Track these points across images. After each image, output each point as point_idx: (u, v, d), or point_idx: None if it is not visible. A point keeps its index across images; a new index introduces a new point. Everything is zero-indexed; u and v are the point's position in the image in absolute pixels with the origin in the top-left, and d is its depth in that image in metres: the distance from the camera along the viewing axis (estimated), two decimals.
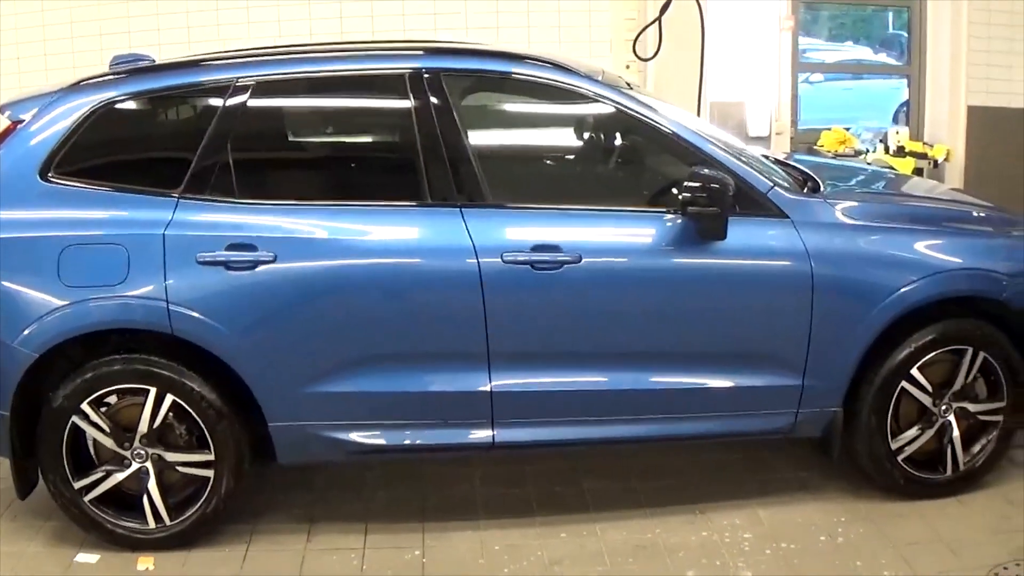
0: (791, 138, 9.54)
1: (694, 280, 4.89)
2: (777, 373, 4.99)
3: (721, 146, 5.04)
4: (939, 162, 9.36)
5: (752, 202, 4.91)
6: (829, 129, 9.51)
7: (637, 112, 4.99)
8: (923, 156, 9.32)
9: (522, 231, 4.79)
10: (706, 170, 4.73)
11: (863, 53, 10.64)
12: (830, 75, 10.56)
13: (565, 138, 5.74)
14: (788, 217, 4.92)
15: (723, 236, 4.75)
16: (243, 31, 8.20)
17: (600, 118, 5.41)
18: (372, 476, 5.59)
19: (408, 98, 4.86)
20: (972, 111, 9.42)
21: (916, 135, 9.81)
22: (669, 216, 4.86)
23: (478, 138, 5.03)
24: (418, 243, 4.77)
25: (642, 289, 4.86)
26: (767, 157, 5.76)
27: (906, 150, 9.38)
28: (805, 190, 5.24)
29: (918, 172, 9.00)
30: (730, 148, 5.12)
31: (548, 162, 5.77)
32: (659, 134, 5.01)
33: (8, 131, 4.90)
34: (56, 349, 4.70)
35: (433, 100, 4.84)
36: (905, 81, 10.08)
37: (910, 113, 9.98)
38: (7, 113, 4.97)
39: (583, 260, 4.74)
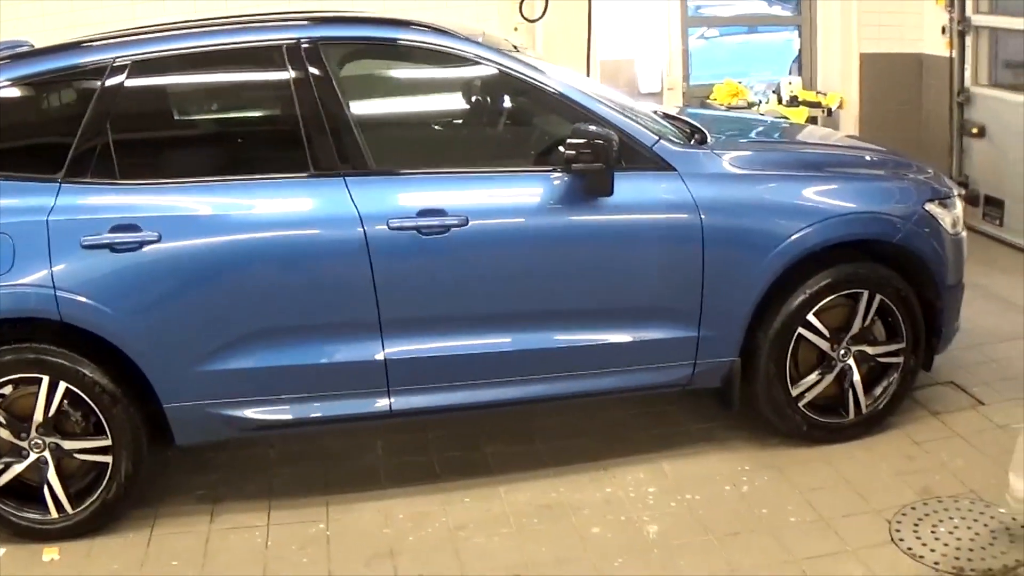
0: (683, 93, 9.57)
1: (583, 237, 4.89)
2: (672, 326, 5.01)
3: (606, 103, 5.03)
4: (833, 110, 9.43)
5: (638, 156, 4.92)
6: (721, 83, 9.53)
7: (521, 73, 4.99)
8: (816, 105, 9.39)
9: (407, 197, 4.77)
10: (589, 126, 4.72)
11: (758, 7, 10.64)
12: (725, 30, 10.54)
13: (450, 102, 5.73)
14: (675, 169, 4.93)
15: (610, 192, 4.75)
16: None
17: (484, 81, 5.38)
18: (275, 453, 5.57)
19: (287, 70, 4.83)
20: (865, 58, 9.50)
21: (809, 84, 9.88)
22: (555, 175, 4.86)
23: (361, 107, 5.02)
24: (303, 215, 4.75)
25: (531, 249, 4.85)
26: (656, 112, 5.76)
27: (799, 99, 9.44)
28: (692, 142, 5.24)
29: (812, 121, 9.07)
30: (615, 104, 5.11)
31: (434, 127, 5.76)
32: (543, 94, 5.00)
33: None
34: None
35: (312, 70, 4.81)
36: (796, 33, 10.11)
37: (802, 63, 10.02)
38: None
39: (470, 223, 4.73)
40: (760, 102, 9.45)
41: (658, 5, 9.56)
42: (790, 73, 10.05)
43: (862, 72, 9.48)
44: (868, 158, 5.69)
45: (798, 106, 9.29)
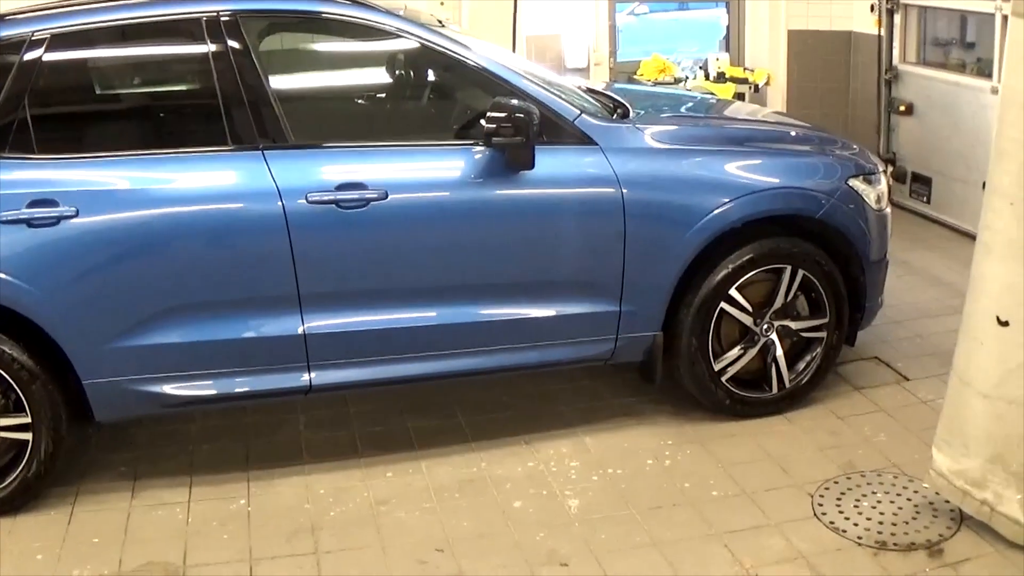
0: (610, 69, 9.58)
1: (505, 211, 4.90)
2: (594, 300, 5.02)
3: (528, 77, 5.03)
4: (760, 87, 9.52)
5: (559, 130, 4.92)
6: (648, 59, 9.55)
7: (442, 47, 4.97)
8: (743, 81, 9.47)
9: (326, 170, 4.75)
10: (510, 100, 4.72)
11: None
12: (655, 6, 10.59)
13: (371, 76, 5.71)
14: (596, 144, 4.94)
15: (531, 165, 4.75)
16: None
17: (406, 55, 5.37)
18: (195, 429, 5.53)
19: (206, 43, 4.78)
20: (793, 35, 9.58)
21: (737, 61, 9.95)
22: (477, 149, 4.85)
23: (281, 80, 5.01)
24: (221, 189, 4.72)
25: (452, 223, 4.85)
26: (581, 88, 5.76)
27: (726, 76, 9.50)
28: (615, 117, 5.24)
29: (739, 97, 9.16)
30: (537, 79, 5.10)
31: (354, 101, 5.74)
32: (464, 68, 5.00)
33: None
34: None
35: (231, 43, 4.77)
36: (726, 9, 10.14)
37: (730, 39, 10.06)
38: None
39: (390, 196, 4.72)
40: (687, 78, 9.50)
41: None
42: (719, 50, 10.08)
43: (790, 49, 9.57)
44: (793, 133, 5.73)
45: (725, 82, 9.35)
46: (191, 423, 5.56)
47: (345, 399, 5.64)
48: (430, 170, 4.89)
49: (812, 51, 9.48)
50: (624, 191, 4.89)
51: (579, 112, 4.98)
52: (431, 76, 5.54)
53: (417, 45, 4.98)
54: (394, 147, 4.91)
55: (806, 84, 9.53)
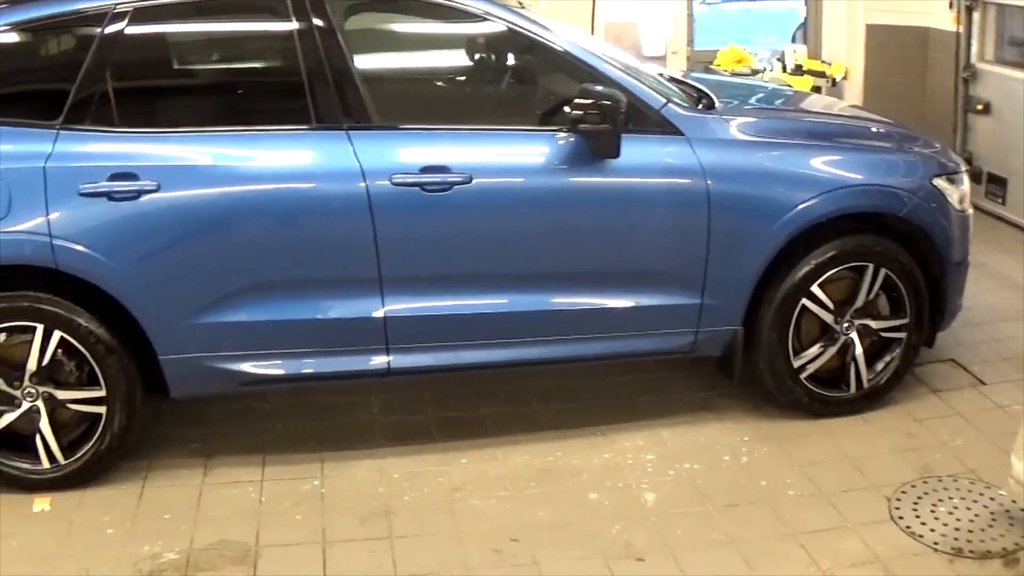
0: (687, 58, 9.49)
1: (588, 200, 4.84)
2: (676, 292, 4.96)
3: (614, 63, 4.96)
4: (837, 80, 9.39)
5: (646, 119, 4.85)
6: (726, 48, 9.45)
7: (528, 30, 4.91)
8: (821, 74, 9.35)
9: (411, 152, 4.71)
10: (597, 87, 4.65)
11: None
12: None
13: (456, 58, 5.65)
14: (683, 134, 4.87)
15: (616, 154, 4.68)
16: None
17: (491, 37, 5.30)
18: (268, 407, 5.52)
19: (291, 20, 4.75)
20: (871, 29, 9.43)
21: (814, 54, 9.82)
22: (561, 135, 4.79)
23: (365, 60, 4.92)
24: (305, 168, 4.68)
25: (535, 209, 4.79)
26: (662, 75, 5.69)
27: (804, 68, 9.40)
28: (700, 107, 5.17)
29: (816, 90, 9.03)
30: (623, 66, 5.04)
31: (439, 83, 5.69)
32: (551, 52, 4.93)
33: None
34: None
35: (316, 21, 4.73)
36: (802, 1, 10.00)
37: (808, 32, 9.94)
38: None
39: (474, 180, 4.67)
40: (765, 69, 9.38)
41: None
42: (793, 41, 9.96)
43: (868, 43, 9.42)
44: (875, 130, 5.62)
45: (803, 75, 9.25)
46: (263, 401, 5.54)
47: (419, 383, 5.60)
48: (514, 155, 4.84)
49: (889, 46, 9.34)
50: (709, 183, 4.82)
51: (665, 101, 4.92)
52: (516, 60, 5.47)
53: (504, 28, 4.92)
54: (478, 131, 4.86)
55: (882, 79, 9.40)
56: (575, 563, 4.27)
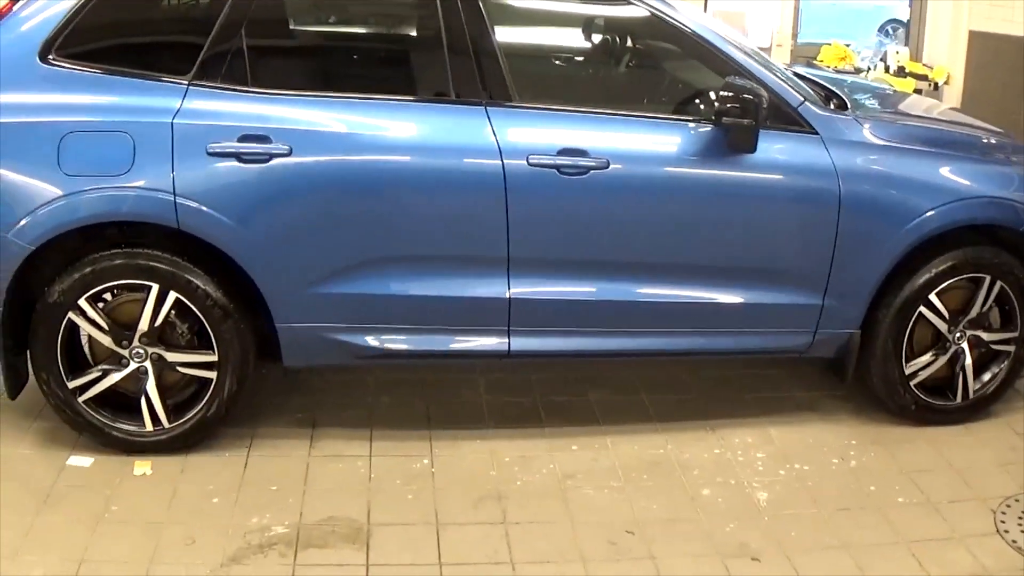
0: (791, 51, 9.39)
1: (721, 192, 4.76)
2: (798, 291, 4.89)
3: (755, 57, 4.88)
4: (939, 84, 9.28)
5: (783, 116, 4.78)
6: (829, 44, 9.36)
7: (671, 18, 4.80)
8: (923, 78, 9.29)
9: (549, 133, 4.61)
10: (740, 80, 4.58)
11: None
12: None
13: (594, 40, 5.56)
14: (817, 133, 4.80)
15: (753, 149, 4.61)
16: None
17: (632, 22, 5.16)
18: (373, 380, 5.45)
19: None
20: (973, 36, 9.33)
21: (915, 56, 9.73)
22: (699, 126, 4.71)
23: (504, 35, 4.81)
24: (440, 141, 4.57)
25: (668, 199, 4.71)
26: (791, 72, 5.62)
27: (907, 71, 9.31)
28: (832, 107, 5.10)
29: (917, 92, 8.93)
30: (762, 60, 4.96)
31: (576, 64, 5.61)
32: (692, 42, 4.83)
33: (4, 11, 4.64)
34: (52, 241, 4.46)
35: None
36: (905, 2, 9.90)
37: (909, 34, 9.88)
38: None
39: (610, 166, 4.58)
40: (869, 68, 9.29)
41: None
42: (889, 40, 9.87)
43: (970, 49, 9.31)
44: (994, 141, 5.55)
45: (905, 77, 9.17)
46: (368, 374, 5.47)
47: (525, 365, 5.53)
48: (651, 143, 4.73)
49: (991, 53, 9.23)
50: (841, 184, 4.75)
51: (802, 99, 4.84)
52: (655, 46, 5.37)
53: (647, 14, 4.80)
54: (616, 116, 4.75)
55: (982, 87, 9.29)
56: (692, 560, 4.20)
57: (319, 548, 4.19)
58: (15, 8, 4.59)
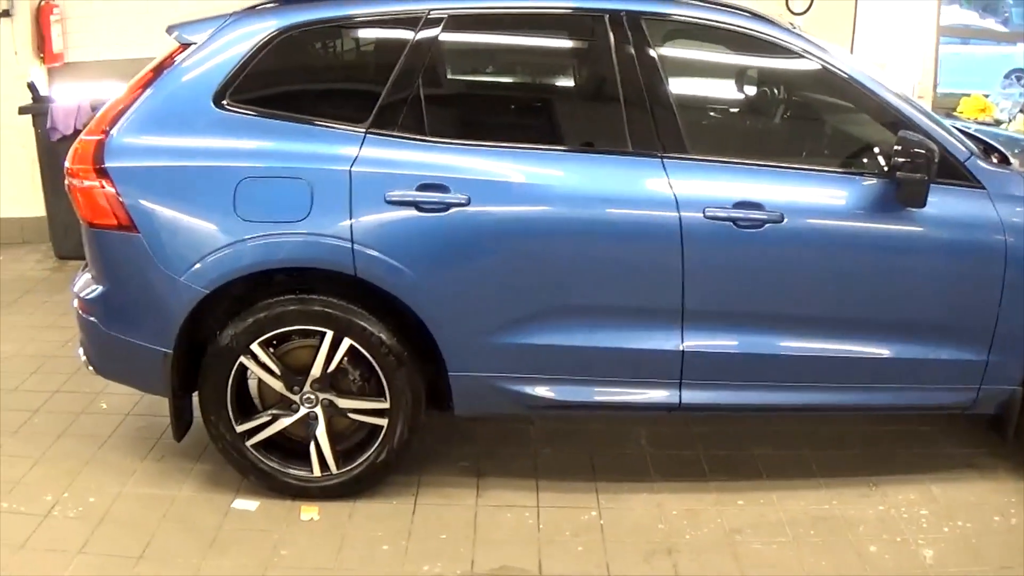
0: (931, 102, 9.35)
1: (888, 246, 4.72)
2: (964, 347, 4.84)
3: (921, 111, 4.87)
4: None
5: (951, 170, 4.72)
6: (968, 95, 9.28)
7: (842, 71, 4.77)
8: None
9: (724, 186, 4.59)
10: (913, 135, 4.56)
11: (969, 17, 10.45)
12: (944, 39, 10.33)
13: (763, 92, 5.54)
14: (984, 188, 4.75)
15: (923, 204, 4.58)
16: None
17: (803, 75, 5.08)
18: (535, 431, 5.45)
19: (609, 40, 4.64)
20: None
21: None
22: (868, 180, 4.68)
23: (678, 87, 4.81)
24: (617, 193, 4.56)
25: (840, 253, 4.68)
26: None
27: None
28: (995, 161, 5.08)
29: None
30: (928, 114, 4.94)
31: (745, 116, 5.59)
32: (862, 95, 4.79)
33: (176, 54, 4.69)
34: (224, 286, 4.48)
35: (634, 44, 4.63)
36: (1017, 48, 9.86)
37: None
38: (175, 35, 4.76)
39: (785, 220, 4.56)
40: (1009, 120, 9.19)
41: (917, 8, 9.43)
42: (1015, 83, 9.77)
43: None
44: None
45: None
46: (531, 424, 5.49)
47: (685, 419, 5.52)
48: (823, 196, 4.70)
49: None
50: (1008, 239, 4.71)
51: (970, 154, 4.81)
52: (815, 98, 5.36)
53: (818, 67, 4.78)
54: (788, 169, 4.73)
55: None
56: None
57: None
58: (189, 52, 4.63)
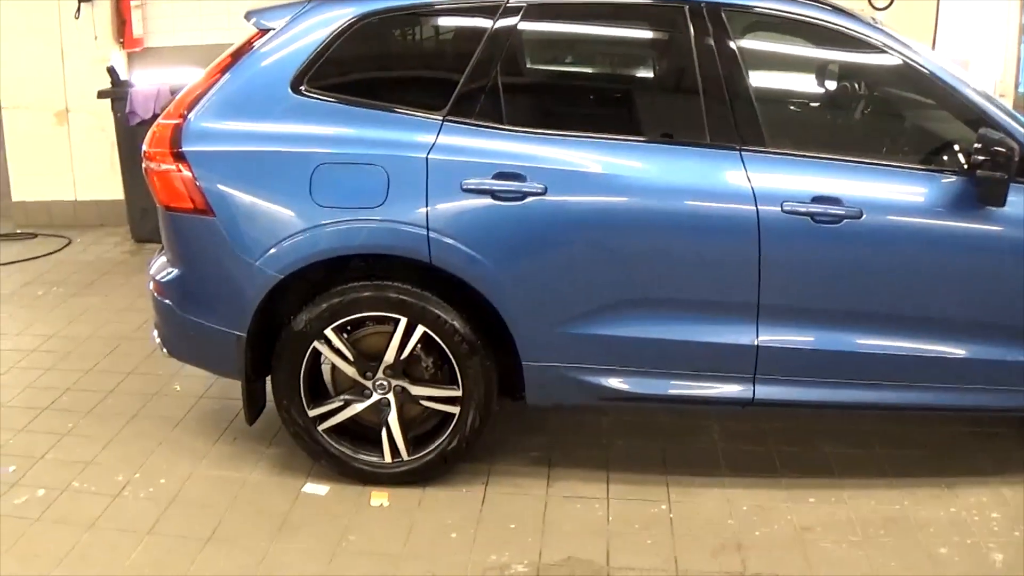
0: (1013, 101, 9.25)
1: (966, 245, 4.66)
2: None
3: (1001, 108, 4.81)
4: None
5: None
6: None
7: (924, 67, 4.72)
8: None
9: (802, 180, 4.55)
10: (994, 133, 4.50)
11: None
12: None
13: (842, 86, 5.48)
14: None
15: (1003, 203, 4.52)
16: None
17: (883, 69, 5.01)
18: (607, 422, 5.44)
19: (688, 32, 4.62)
20: None
21: None
22: (947, 177, 4.63)
23: (757, 80, 4.77)
24: (696, 185, 4.54)
25: (918, 250, 4.62)
26: None
27: None
28: None
29: None
30: (1007, 110, 4.88)
31: (823, 110, 5.54)
32: (943, 92, 4.74)
33: (254, 39, 4.72)
34: (301, 271, 4.50)
35: (716, 36, 4.60)
36: None
37: None
38: (254, 20, 4.80)
39: (864, 216, 4.52)
40: None
41: (999, 6, 9.32)
42: None
43: None
44: None
45: None
46: (603, 416, 5.48)
47: (757, 414, 5.48)
48: (902, 193, 4.66)
49: None
50: None
51: None
52: (894, 93, 5.31)
53: (899, 63, 4.73)
54: (867, 164, 4.67)
55: None
56: None
57: None
58: (267, 38, 4.65)
